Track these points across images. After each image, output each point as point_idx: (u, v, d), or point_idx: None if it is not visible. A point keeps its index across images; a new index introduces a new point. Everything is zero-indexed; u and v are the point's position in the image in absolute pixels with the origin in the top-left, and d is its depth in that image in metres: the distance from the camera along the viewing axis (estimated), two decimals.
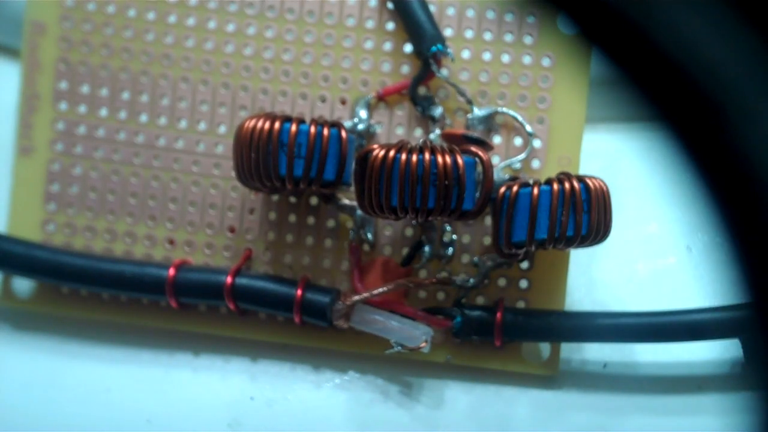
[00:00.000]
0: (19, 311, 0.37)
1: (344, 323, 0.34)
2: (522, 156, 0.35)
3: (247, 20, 0.36)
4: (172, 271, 0.35)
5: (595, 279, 0.36)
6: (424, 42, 0.34)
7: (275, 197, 0.36)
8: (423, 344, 0.34)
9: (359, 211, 0.34)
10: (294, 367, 0.36)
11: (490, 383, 0.35)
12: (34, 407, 0.36)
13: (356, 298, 0.34)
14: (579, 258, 0.36)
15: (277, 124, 0.32)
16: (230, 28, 0.36)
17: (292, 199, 0.36)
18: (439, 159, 0.31)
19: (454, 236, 0.35)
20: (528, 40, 0.35)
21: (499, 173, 0.34)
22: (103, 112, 0.37)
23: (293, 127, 0.32)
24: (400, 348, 0.34)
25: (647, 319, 0.33)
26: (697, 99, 0.18)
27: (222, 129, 0.36)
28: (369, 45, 0.36)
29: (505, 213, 0.32)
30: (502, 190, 0.32)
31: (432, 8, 0.35)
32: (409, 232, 0.35)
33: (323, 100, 0.36)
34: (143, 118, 0.36)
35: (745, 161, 0.18)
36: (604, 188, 0.32)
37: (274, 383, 0.36)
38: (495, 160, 0.35)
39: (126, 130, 0.36)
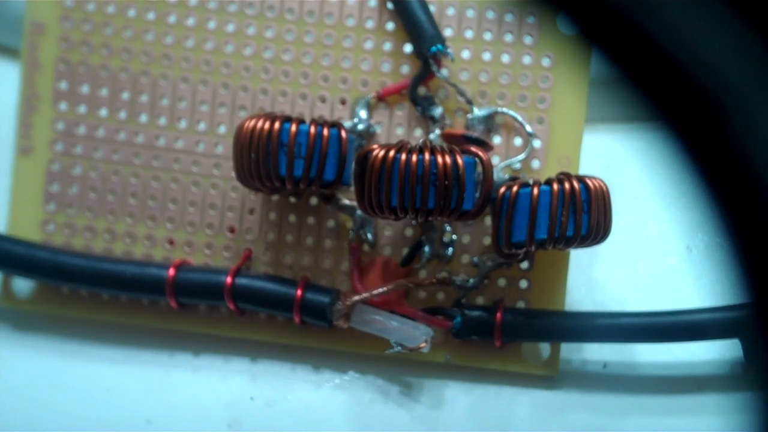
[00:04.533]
0: (19, 311, 0.37)
1: (344, 323, 0.34)
2: (522, 156, 0.35)
3: (247, 20, 0.36)
4: (172, 272, 0.35)
5: (595, 279, 0.36)
6: (424, 42, 0.34)
7: (275, 197, 0.36)
8: (423, 344, 0.34)
9: (359, 211, 0.34)
10: (294, 367, 0.36)
11: (490, 383, 0.35)
12: (34, 407, 0.36)
13: (356, 298, 0.34)
14: (579, 258, 0.36)
15: (277, 124, 0.32)
16: (230, 28, 0.36)
17: (292, 199, 0.36)
18: (439, 159, 0.31)
19: (454, 236, 0.35)
20: (528, 40, 0.35)
21: (499, 173, 0.34)
22: (103, 112, 0.37)
23: (293, 127, 0.32)
24: (400, 348, 0.34)
25: (647, 319, 0.33)
26: (697, 99, 0.18)
27: (222, 129, 0.36)
28: (369, 45, 0.36)
29: (505, 213, 0.32)
30: (502, 190, 0.32)
31: (432, 8, 0.35)
32: (409, 232, 0.35)
33: (323, 100, 0.36)
34: (143, 118, 0.36)
35: (745, 161, 0.18)
36: (604, 188, 0.32)
37: (274, 383, 0.36)
38: (495, 160, 0.35)
39: (126, 131, 0.36)
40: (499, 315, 0.34)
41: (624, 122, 0.37)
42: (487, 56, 0.35)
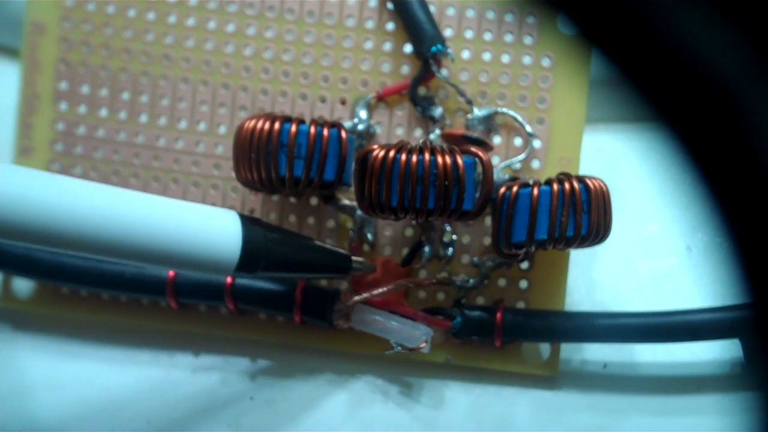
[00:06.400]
0: (19, 311, 0.37)
1: (344, 323, 0.34)
2: (522, 156, 0.35)
3: (247, 20, 0.36)
4: (172, 272, 0.35)
5: (595, 279, 0.36)
6: (424, 42, 0.34)
7: (275, 197, 0.36)
8: (423, 344, 0.34)
9: (359, 211, 0.34)
10: (294, 367, 0.36)
11: (490, 383, 0.35)
12: (35, 407, 0.36)
13: (356, 298, 0.34)
14: (579, 258, 0.36)
15: (277, 125, 0.32)
16: (230, 28, 0.36)
17: (292, 200, 0.36)
18: (439, 159, 0.31)
19: (454, 236, 0.35)
20: (528, 40, 0.35)
21: (499, 173, 0.34)
22: (103, 112, 0.37)
23: (293, 128, 0.32)
24: (400, 348, 0.34)
25: (647, 319, 0.33)
26: (698, 99, 0.18)
27: (222, 129, 0.36)
28: (369, 45, 0.36)
29: (504, 213, 0.32)
30: (502, 190, 0.32)
31: (432, 8, 0.35)
32: (409, 232, 0.35)
33: (323, 100, 0.36)
34: (143, 118, 0.36)
35: (745, 161, 0.18)
36: (604, 188, 0.32)
37: (274, 383, 0.36)
38: (495, 160, 0.35)
39: (126, 131, 0.36)
40: (499, 315, 0.34)
41: (624, 122, 0.37)
42: (487, 56, 0.35)
